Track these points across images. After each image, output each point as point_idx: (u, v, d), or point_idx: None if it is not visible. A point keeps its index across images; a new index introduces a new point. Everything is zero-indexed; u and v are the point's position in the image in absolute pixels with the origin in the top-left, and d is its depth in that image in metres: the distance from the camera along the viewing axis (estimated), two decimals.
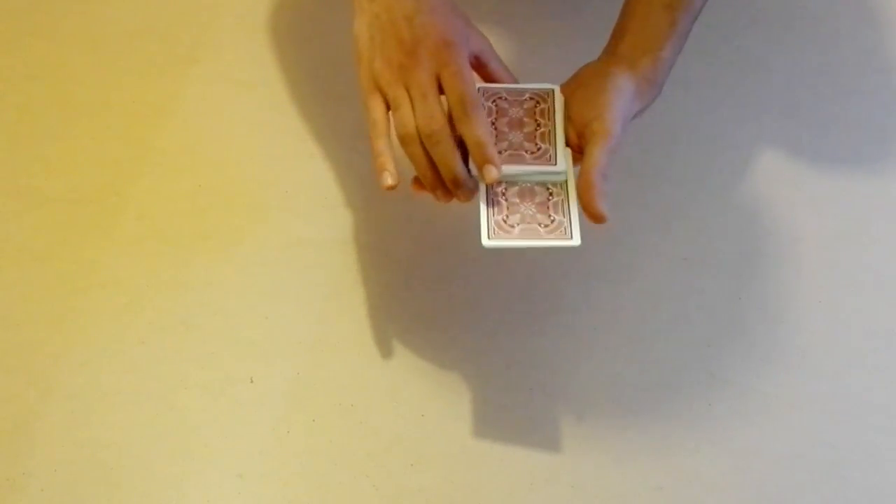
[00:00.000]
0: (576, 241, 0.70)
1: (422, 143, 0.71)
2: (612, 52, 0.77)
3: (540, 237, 0.71)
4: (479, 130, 0.70)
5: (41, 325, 0.83)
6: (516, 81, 0.77)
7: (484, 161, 0.70)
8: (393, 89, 0.72)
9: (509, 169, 0.72)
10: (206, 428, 0.79)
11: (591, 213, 0.70)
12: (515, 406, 0.81)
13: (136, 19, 1.02)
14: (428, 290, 0.86)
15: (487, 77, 0.76)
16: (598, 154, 0.71)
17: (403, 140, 0.71)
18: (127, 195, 0.90)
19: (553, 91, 0.76)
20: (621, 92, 0.74)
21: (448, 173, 0.71)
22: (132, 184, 0.91)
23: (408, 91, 0.71)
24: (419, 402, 0.80)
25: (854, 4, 1.05)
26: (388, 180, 0.72)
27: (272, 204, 0.90)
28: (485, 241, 0.71)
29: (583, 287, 0.86)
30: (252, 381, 0.81)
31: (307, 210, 0.90)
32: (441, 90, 0.71)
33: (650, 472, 0.78)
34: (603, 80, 0.74)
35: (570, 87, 0.76)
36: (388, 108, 0.73)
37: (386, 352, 0.83)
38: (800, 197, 0.92)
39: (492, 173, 0.70)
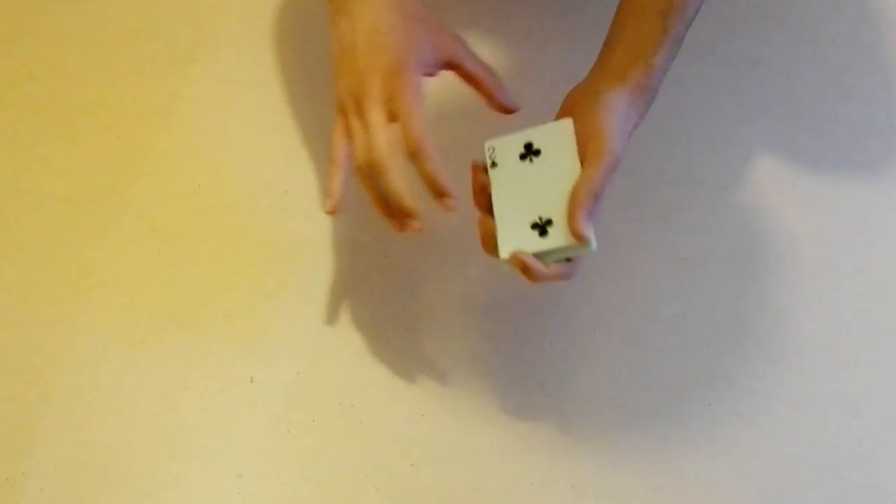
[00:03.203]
0: (592, 246, 0.69)
1: (371, 175, 0.71)
2: (601, 65, 0.76)
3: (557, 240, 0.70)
4: (427, 166, 0.70)
5: (41, 325, 0.83)
6: (496, 77, 0.76)
7: (439, 195, 0.70)
8: (350, 117, 0.73)
9: (535, 247, 0.71)
10: (206, 428, 0.79)
11: (573, 233, 0.69)
12: (515, 406, 0.81)
13: (136, 19, 1.02)
14: (428, 290, 0.86)
15: (464, 78, 0.76)
16: (591, 174, 0.70)
17: (356, 169, 0.72)
18: (127, 195, 0.90)
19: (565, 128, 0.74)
20: (613, 109, 0.73)
21: (396, 202, 0.71)
22: (132, 184, 0.91)
23: (362, 121, 0.72)
24: (419, 402, 0.81)
25: (854, 5, 1.05)
26: (327, 206, 0.74)
27: (272, 204, 0.90)
28: (503, 252, 0.71)
29: (583, 287, 0.86)
30: (252, 381, 0.81)
31: (307, 210, 0.90)
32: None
33: (650, 472, 0.78)
34: (593, 101, 0.73)
35: (563, 114, 0.75)
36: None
37: (386, 352, 0.83)
38: (800, 197, 0.92)
39: (448, 204, 0.71)
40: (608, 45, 0.77)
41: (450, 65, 0.75)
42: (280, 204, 0.90)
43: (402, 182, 0.70)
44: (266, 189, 0.91)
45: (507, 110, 0.77)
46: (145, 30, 1.01)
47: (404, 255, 0.88)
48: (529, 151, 0.74)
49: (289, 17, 1.02)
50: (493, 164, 0.75)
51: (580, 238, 0.69)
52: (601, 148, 0.71)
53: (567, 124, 0.73)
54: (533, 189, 0.72)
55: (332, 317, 0.84)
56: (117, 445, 0.78)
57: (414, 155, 0.70)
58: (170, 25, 1.01)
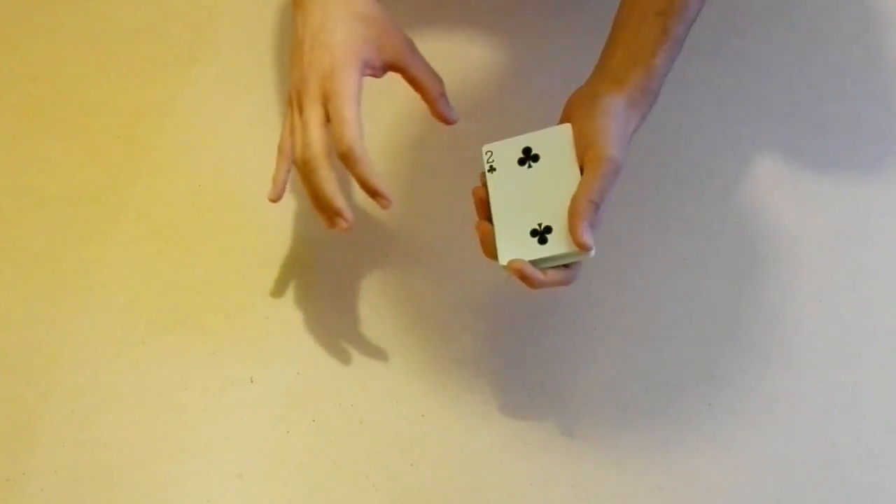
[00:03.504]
0: (592, 253, 0.69)
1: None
2: (601, 68, 0.76)
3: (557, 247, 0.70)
4: (357, 169, 0.70)
5: (41, 325, 0.83)
6: (440, 86, 0.76)
7: (372, 195, 0.71)
8: (293, 112, 0.74)
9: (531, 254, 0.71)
10: (206, 428, 0.79)
11: (575, 242, 0.69)
12: (515, 406, 0.81)
13: (136, 19, 1.02)
14: (428, 290, 0.86)
15: (409, 81, 0.76)
16: (590, 181, 0.69)
17: (294, 164, 0.73)
18: (127, 195, 0.90)
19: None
20: (611, 115, 0.72)
21: (324, 201, 0.71)
22: (132, 184, 0.91)
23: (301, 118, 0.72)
24: (419, 402, 0.81)
25: (854, 5, 1.05)
26: (270, 194, 0.76)
27: (272, 204, 0.90)
28: (502, 259, 0.70)
29: (583, 287, 0.86)
30: (252, 381, 0.81)
31: (307, 210, 0.90)
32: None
33: (650, 472, 0.78)
34: (591, 106, 0.73)
35: (564, 119, 0.75)
36: None
37: (386, 352, 0.83)
38: (799, 197, 0.92)
39: (382, 204, 0.71)
40: (608, 48, 0.77)
41: (395, 67, 0.75)
42: (280, 204, 0.89)
43: (331, 182, 0.71)
44: (266, 189, 0.90)
45: (446, 121, 0.77)
46: (145, 30, 1.01)
47: (404, 255, 0.88)
48: (528, 157, 0.73)
49: (289, 17, 1.02)
50: (492, 169, 0.74)
51: (583, 248, 0.68)
52: (599, 155, 0.70)
53: (566, 129, 0.73)
54: (532, 195, 0.72)
55: (332, 317, 0.84)
56: (117, 445, 0.78)
57: (344, 158, 0.70)
58: (170, 25, 1.01)
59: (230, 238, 0.88)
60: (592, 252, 0.69)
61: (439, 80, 0.76)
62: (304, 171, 0.71)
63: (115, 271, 0.86)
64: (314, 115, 0.71)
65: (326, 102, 0.71)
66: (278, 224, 0.89)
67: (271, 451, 0.78)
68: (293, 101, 0.74)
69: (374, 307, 0.85)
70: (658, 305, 0.86)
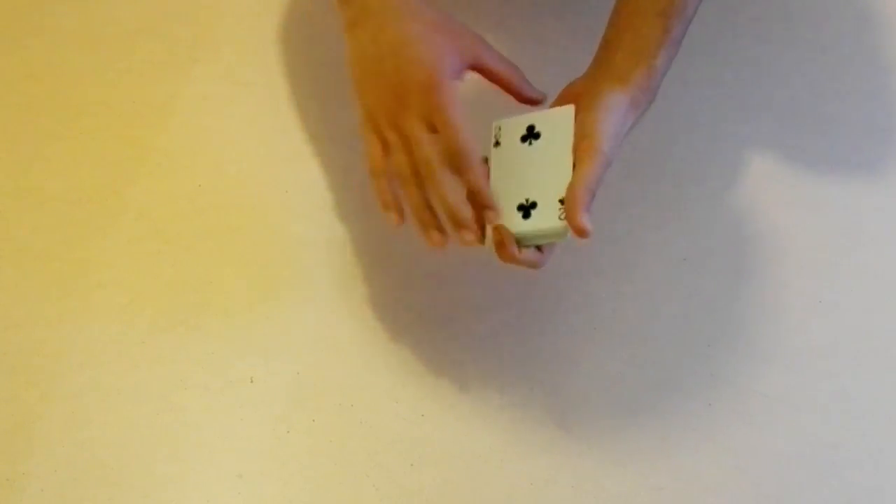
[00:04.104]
0: (567, 235, 0.71)
1: (417, 184, 0.71)
2: (602, 65, 0.76)
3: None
4: (473, 178, 0.70)
5: (41, 325, 0.83)
6: (519, 72, 0.76)
7: (483, 207, 0.71)
8: (386, 131, 0.72)
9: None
10: (206, 428, 0.79)
11: (575, 228, 0.69)
12: (515, 406, 0.81)
13: (136, 19, 1.02)
14: (428, 290, 0.86)
15: (489, 78, 0.76)
16: (586, 170, 0.70)
17: (401, 183, 0.72)
18: (127, 195, 0.90)
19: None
20: (612, 110, 0.73)
21: (451, 215, 0.71)
22: (132, 184, 0.91)
23: (400, 134, 0.71)
24: (419, 402, 0.80)
25: (854, 5, 1.05)
26: (395, 219, 0.73)
27: (272, 204, 0.90)
28: (488, 242, 0.72)
29: (583, 287, 0.86)
30: (252, 381, 0.81)
31: (307, 210, 0.90)
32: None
33: (650, 472, 0.78)
34: (593, 99, 0.73)
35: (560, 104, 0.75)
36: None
37: (386, 352, 0.83)
38: (800, 197, 0.92)
39: (490, 217, 0.71)
40: (608, 46, 0.77)
41: (475, 67, 0.74)
42: (280, 204, 0.90)
43: (453, 191, 0.70)
44: (266, 189, 0.91)
45: (535, 101, 0.77)
46: (145, 30, 1.01)
47: (404, 255, 0.88)
48: (531, 134, 0.75)
49: (289, 16, 1.02)
50: (497, 143, 0.76)
51: (582, 233, 0.69)
52: (593, 147, 0.71)
53: (569, 111, 0.74)
54: (526, 172, 0.73)
55: (332, 317, 0.84)
56: (117, 445, 0.78)
57: (460, 166, 0.70)
58: (170, 25, 1.01)
59: (230, 238, 0.88)
60: (569, 234, 0.70)
61: (516, 67, 0.76)
62: (426, 187, 0.70)
63: (115, 271, 0.86)
64: (420, 128, 0.70)
65: (431, 115, 0.70)
66: (278, 224, 0.89)
67: (271, 451, 0.78)
68: (379, 121, 0.72)
69: (375, 307, 0.85)
70: (658, 305, 0.86)
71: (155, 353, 0.82)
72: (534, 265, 0.74)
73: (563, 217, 0.71)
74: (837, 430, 0.80)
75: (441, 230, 0.72)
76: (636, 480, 0.78)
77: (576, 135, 0.73)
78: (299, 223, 0.89)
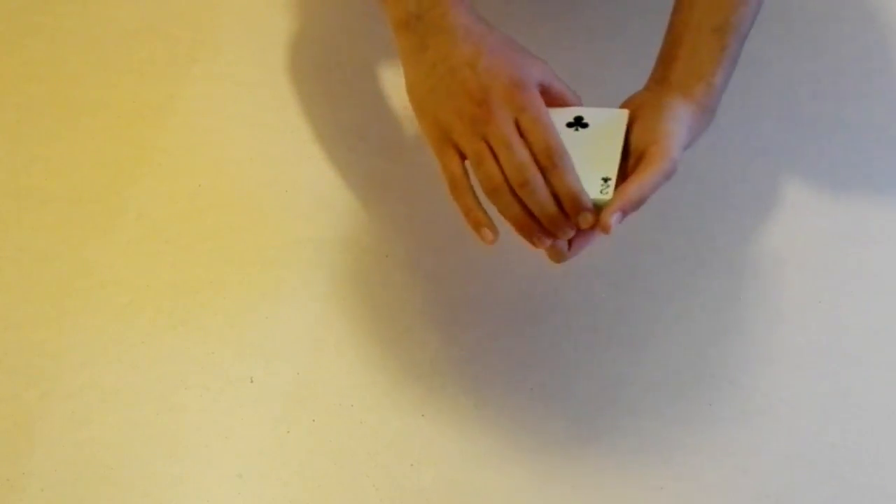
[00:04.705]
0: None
1: (512, 192, 0.69)
2: (662, 79, 0.76)
3: None
4: (568, 179, 0.68)
5: (41, 325, 0.83)
6: (577, 96, 0.75)
7: (577, 210, 0.69)
8: (469, 142, 0.70)
9: None
10: (206, 428, 0.79)
11: (602, 223, 0.69)
12: (515, 406, 0.81)
13: (136, 19, 1.02)
14: (428, 291, 0.86)
15: (553, 101, 0.74)
16: (649, 172, 0.70)
17: (493, 193, 0.69)
18: (127, 195, 0.90)
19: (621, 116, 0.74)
20: (680, 121, 0.72)
21: (549, 217, 0.69)
22: (132, 184, 0.91)
23: (487, 142, 0.69)
24: (419, 402, 0.80)
25: (854, 5, 1.05)
26: (490, 236, 0.71)
27: (272, 204, 0.90)
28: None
29: (583, 287, 0.86)
30: (252, 381, 0.81)
31: (307, 210, 0.90)
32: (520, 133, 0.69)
33: (651, 473, 0.78)
34: (661, 110, 0.73)
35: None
36: (463, 159, 0.71)
37: (386, 352, 0.83)
38: (800, 197, 0.92)
39: (587, 219, 0.69)
40: (665, 62, 0.76)
41: (542, 85, 0.72)
42: (280, 204, 0.90)
43: (551, 195, 0.68)
44: (266, 189, 0.91)
45: None
46: (145, 30, 1.01)
47: (404, 255, 0.88)
48: (578, 122, 0.73)
49: (289, 17, 1.02)
50: None
51: (605, 230, 0.68)
52: (662, 152, 0.70)
53: (623, 114, 0.73)
54: (569, 151, 0.71)
55: (332, 317, 0.84)
56: (117, 445, 0.78)
57: (552, 167, 0.68)
58: (170, 25, 1.01)
59: (230, 238, 0.88)
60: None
61: (574, 92, 0.75)
62: (523, 193, 0.68)
63: (115, 271, 0.86)
64: (513, 135, 0.68)
65: (519, 115, 0.69)
66: (278, 224, 0.89)
67: (271, 451, 0.78)
68: (457, 132, 0.70)
69: (375, 307, 0.85)
70: (658, 305, 0.86)
71: (155, 353, 0.82)
72: (561, 256, 0.72)
73: (603, 192, 0.69)
74: (837, 430, 0.80)
75: (548, 234, 0.70)
76: (637, 481, 0.78)
77: (640, 142, 0.72)
78: (299, 223, 0.89)
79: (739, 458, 0.79)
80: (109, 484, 0.76)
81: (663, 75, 0.76)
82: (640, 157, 0.72)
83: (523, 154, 0.68)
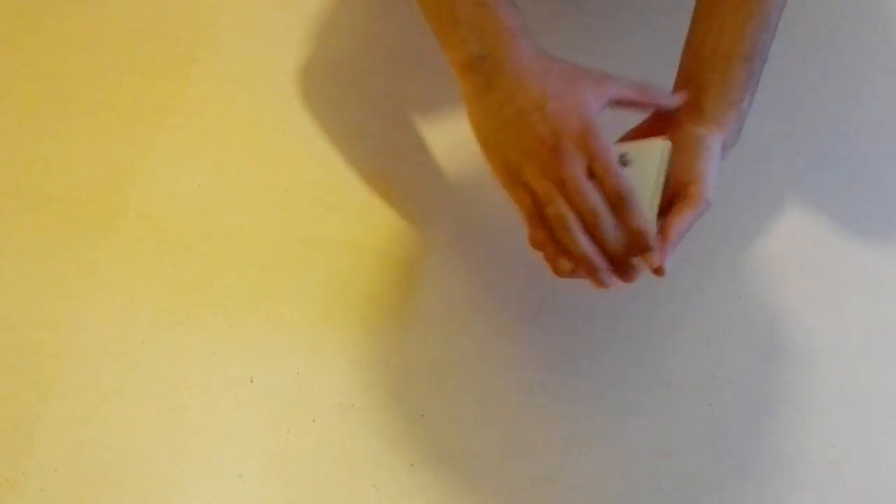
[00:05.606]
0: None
1: (582, 231, 0.70)
2: (697, 109, 0.77)
3: None
4: (637, 222, 0.70)
5: (41, 325, 0.83)
6: (653, 88, 0.76)
7: (645, 250, 0.71)
8: (540, 184, 0.70)
9: None
10: (206, 428, 0.79)
11: (654, 263, 0.71)
12: (515, 406, 0.81)
13: (136, 19, 1.02)
14: (428, 291, 0.86)
15: (631, 107, 0.75)
16: (687, 214, 0.73)
17: (563, 231, 0.70)
18: (127, 195, 0.90)
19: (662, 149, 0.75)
20: (713, 157, 0.75)
21: (618, 256, 0.71)
22: (132, 184, 0.91)
23: (558, 184, 0.70)
24: (419, 402, 0.81)
25: (854, 5, 1.05)
26: (567, 267, 0.72)
27: (272, 204, 0.90)
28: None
29: (583, 287, 0.86)
30: (252, 381, 0.81)
31: (307, 210, 0.90)
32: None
33: (650, 473, 0.78)
34: (695, 143, 0.75)
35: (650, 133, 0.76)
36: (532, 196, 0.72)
37: (386, 352, 0.83)
38: (799, 197, 0.92)
39: (655, 259, 0.71)
40: (693, 88, 0.77)
41: (618, 102, 0.74)
42: (280, 204, 0.90)
43: (644, 219, 0.70)
44: (266, 189, 0.91)
45: (676, 104, 0.77)
46: (145, 30, 1.01)
47: (404, 255, 0.88)
48: (621, 161, 0.74)
49: (289, 17, 1.02)
50: None
51: (660, 273, 0.71)
52: (700, 194, 0.73)
53: (665, 146, 0.74)
54: None
55: (332, 317, 0.84)
56: (117, 445, 0.78)
57: (624, 213, 0.69)
58: (170, 25, 1.01)
59: (230, 238, 0.88)
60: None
61: (648, 84, 0.76)
62: (596, 234, 0.70)
63: (115, 271, 0.86)
64: (585, 179, 0.69)
65: (591, 162, 0.69)
66: (278, 224, 0.89)
67: (271, 451, 0.78)
68: (528, 174, 0.71)
69: (374, 307, 0.85)
70: (658, 305, 0.86)
71: (155, 353, 0.82)
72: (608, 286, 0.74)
73: None
74: (837, 430, 0.80)
75: (612, 270, 0.72)
76: (636, 481, 0.78)
77: (679, 178, 0.74)
78: (299, 223, 0.89)
79: (739, 458, 0.79)
80: (109, 484, 0.76)
81: (699, 102, 0.77)
82: (677, 194, 0.74)
83: (595, 199, 0.70)
